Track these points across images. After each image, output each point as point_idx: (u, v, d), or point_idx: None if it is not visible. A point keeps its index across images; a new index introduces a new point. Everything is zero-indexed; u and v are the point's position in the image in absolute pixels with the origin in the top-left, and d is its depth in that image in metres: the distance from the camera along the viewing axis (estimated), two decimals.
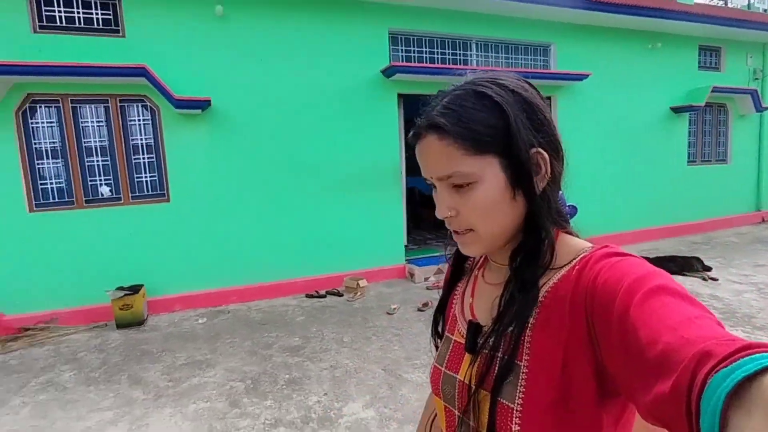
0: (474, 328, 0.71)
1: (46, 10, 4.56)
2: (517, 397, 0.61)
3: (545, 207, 0.65)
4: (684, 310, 0.47)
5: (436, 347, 0.82)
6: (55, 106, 4.69)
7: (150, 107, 4.98)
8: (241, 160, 5.29)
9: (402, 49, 6.14)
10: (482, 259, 0.81)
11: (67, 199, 4.78)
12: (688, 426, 0.39)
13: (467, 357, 0.70)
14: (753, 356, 0.37)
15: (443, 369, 0.74)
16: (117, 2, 4.77)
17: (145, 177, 5.03)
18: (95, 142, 4.85)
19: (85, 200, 4.84)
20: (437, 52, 6.35)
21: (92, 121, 4.83)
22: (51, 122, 4.69)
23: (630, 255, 0.59)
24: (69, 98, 4.71)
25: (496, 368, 0.63)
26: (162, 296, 5.04)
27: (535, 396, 0.59)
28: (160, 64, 4.77)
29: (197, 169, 5.12)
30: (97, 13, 4.73)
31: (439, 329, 0.82)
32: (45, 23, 4.56)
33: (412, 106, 5.61)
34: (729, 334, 0.43)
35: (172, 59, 4.87)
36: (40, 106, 4.65)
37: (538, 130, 0.64)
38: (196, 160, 5.11)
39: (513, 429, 0.60)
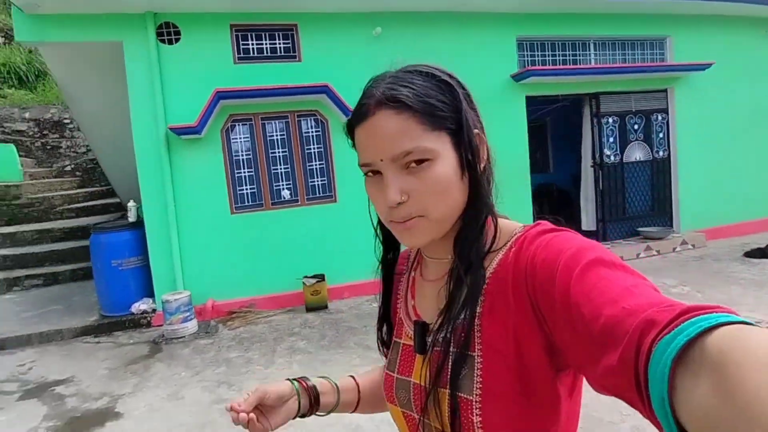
0: (420, 327, 0.70)
1: (242, 44, 5.43)
2: (475, 389, 0.60)
3: (486, 186, 0.66)
4: (621, 280, 0.48)
5: (386, 356, 0.81)
6: (248, 124, 5.56)
7: (320, 120, 5.76)
8: None
9: (527, 54, 6.60)
10: (416, 258, 0.82)
11: (257, 202, 5.64)
12: (638, 394, 0.39)
13: (418, 358, 0.70)
14: (693, 320, 0.37)
15: (395, 375, 0.73)
16: (294, 32, 5.58)
17: (317, 181, 5.81)
18: (279, 152, 5.68)
19: (272, 202, 5.68)
20: (558, 54, 6.76)
21: (276, 135, 5.66)
22: (246, 137, 5.57)
23: (562, 230, 0.60)
24: (260, 116, 5.56)
25: (450, 364, 0.62)
26: (334, 285, 5.79)
27: (493, 384, 0.59)
28: (330, 81, 5.52)
29: (359, 172, 5.82)
30: (279, 43, 5.56)
31: (384, 337, 0.82)
32: (242, 55, 5.43)
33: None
34: (668, 299, 0.44)
35: (339, 76, 5.61)
36: (238, 125, 5.53)
37: (477, 116, 0.67)
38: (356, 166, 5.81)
39: (474, 421, 0.60)
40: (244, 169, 5.58)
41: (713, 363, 0.33)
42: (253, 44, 5.47)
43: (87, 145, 10.27)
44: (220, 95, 5.08)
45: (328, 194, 5.86)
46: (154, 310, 5.28)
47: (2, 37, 11.02)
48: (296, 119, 5.69)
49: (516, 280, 0.59)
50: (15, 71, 10.62)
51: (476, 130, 0.65)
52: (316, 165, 5.81)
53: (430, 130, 0.60)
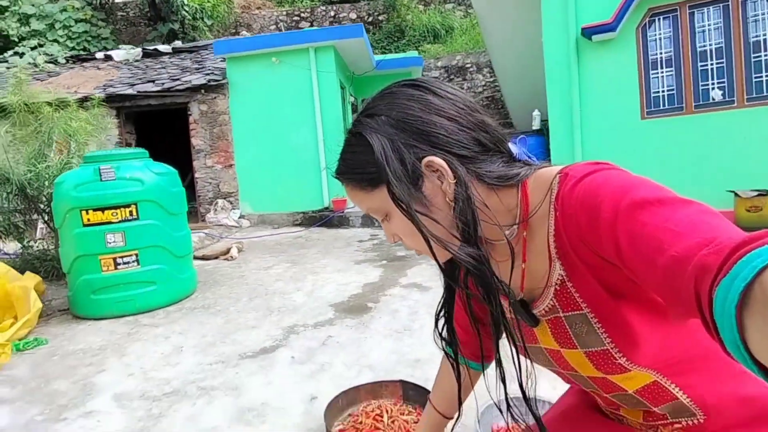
0: (521, 304, 0.72)
1: None
2: (604, 340, 0.64)
3: (460, 205, 0.63)
4: (664, 220, 0.47)
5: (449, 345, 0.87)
6: (671, 16, 4.81)
7: None
8: None
9: None
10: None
11: (676, 105, 4.89)
12: (715, 337, 0.39)
13: (537, 329, 0.73)
14: (745, 258, 0.36)
15: (524, 345, 0.74)
16: None
17: (765, 77, 4.53)
18: (709, 45, 4.70)
19: (695, 105, 4.81)
20: None
21: (708, 24, 4.69)
22: (667, 32, 4.86)
23: (592, 172, 0.58)
24: (687, 5, 4.73)
25: (568, 327, 0.67)
26: None
27: (615, 328, 0.63)
28: None
29: None
30: None
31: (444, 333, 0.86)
32: None
33: None
34: (715, 228, 0.43)
35: None
36: (657, 19, 4.87)
37: (424, 139, 0.64)
38: None
39: (623, 363, 0.65)
40: (661, 68, 4.93)
41: None
42: None
43: (484, 85, 11.59)
44: None
45: None
46: None
47: (423, 4, 13.62)
48: (739, 1, 4.54)
49: (572, 242, 0.60)
50: (431, 29, 12.98)
51: (427, 159, 0.63)
52: (763, 57, 4.52)
53: (371, 191, 0.67)
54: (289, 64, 7.17)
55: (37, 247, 4.53)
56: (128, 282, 3.36)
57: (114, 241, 3.30)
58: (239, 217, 7.55)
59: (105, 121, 4.71)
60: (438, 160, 0.63)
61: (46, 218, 4.28)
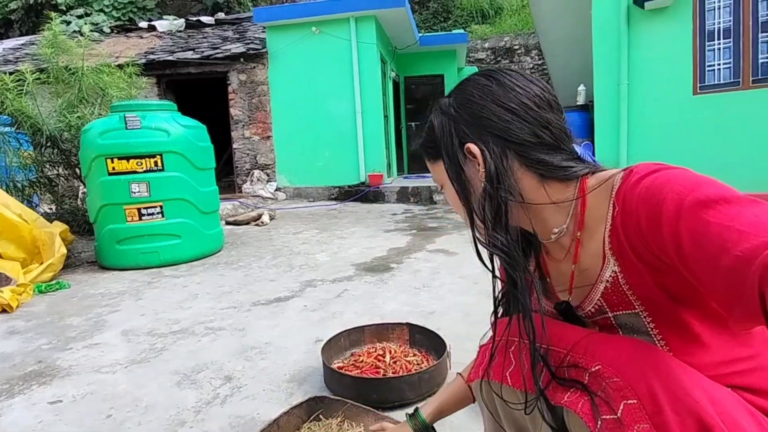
0: (565, 306, 0.72)
1: None
2: (657, 343, 0.62)
3: (483, 190, 0.67)
4: (728, 219, 0.45)
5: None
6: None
7: None
8: None
9: None
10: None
11: (733, 80, 4.41)
12: None
13: None
14: None
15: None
16: None
17: None
18: None
19: (752, 80, 4.32)
20: None
21: None
22: (726, 1, 4.36)
23: (657, 171, 0.56)
24: None
25: (618, 328, 0.66)
26: None
27: (670, 331, 0.61)
28: None
29: None
30: None
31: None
32: None
33: None
34: None
35: None
36: None
37: (477, 124, 0.67)
38: None
39: None
40: (718, 40, 4.43)
41: None
42: None
43: (531, 68, 11.07)
44: None
45: None
46: None
47: None
48: None
49: (630, 239, 0.58)
50: (479, 10, 12.51)
51: (468, 144, 0.67)
52: None
53: (433, 162, 0.75)
54: (329, 35, 7.04)
55: (71, 204, 4.64)
56: (153, 233, 3.35)
57: (138, 191, 3.29)
58: (275, 190, 7.55)
59: (139, 81, 4.71)
60: (474, 148, 0.67)
61: (78, 172, 4.35)
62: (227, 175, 8.45)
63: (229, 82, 7.47)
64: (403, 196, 6.64)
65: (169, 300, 2.54)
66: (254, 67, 7.39)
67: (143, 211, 3.33)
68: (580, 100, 5.57)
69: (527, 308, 0.65)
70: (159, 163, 3.33)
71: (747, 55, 4.40)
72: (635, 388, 0.55)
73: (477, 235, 0.70)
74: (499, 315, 0.80)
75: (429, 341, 1.63)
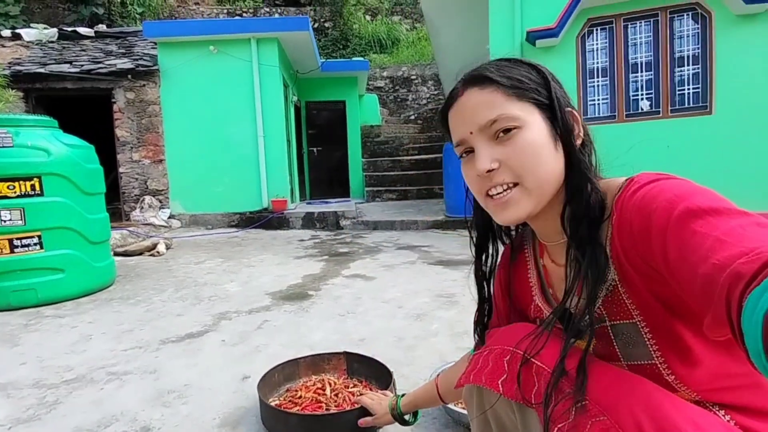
0: (564, 314, 0.67)
1: None
2: (654, 354, 0.61)
3: (587, 158, 0.67)
4: (714, 229, 0.46)
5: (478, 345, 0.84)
6: (608, 28, 5.09)
7: (701, 14, 4.77)
8: None
9: None
10: (534, 248, 0.80)
11: (609, 114, 5.15)
12: (740, 347, 0.39)
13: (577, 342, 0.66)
14: None
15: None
16: None
17: (687, 89, 4.88)
18: (640, 57, 5.01)
19: (626, 114, 5.09)
20: None
21: (639, 38, 5.00)
22: (603, 43, 5.12)
23: (658, 179, 0.58)
24: (622, 18, 5.02)
25: (614, 338, 0.65)
26: None
27: (665, 343, 0.60)
28: None
29: (751, 78, 4.61)
30: None
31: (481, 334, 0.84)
32: None
33: None
34: (763, 241, 0.42)
35: None
36: (596, 29, 5.14)
37: (565, 96, 0.69)
38: (751, 68, 4.60)
39: (670, 381, 0.60)
40: (597, 78, 5.17)
41: None
42: None
43: (428, 97, 11.75)
44: None
45: (701, 105, 4.86)
46: None
47: (370, 15, 13.72)
48: (668, 17, 4.89)
49: (624, 246, 0.59)
50: (378, 39, 13.08)
51: (569, 108, 0.67)
52: (688, 71, 4.88)
53: (515, 100, 0.64)
54: (228, 55, 6.82)
55: None
56: (28, 268, 2.89)
57: (10, 219, 2.83)
58: (169, 217, 6.98)
59: (5, 93, 4.11)
60: (576, 114, 0.68)
61: None
62: (112, 202, 7.61)
63: (114, 100, 6.83)
64: (309, 221, 6.55)
65: (55, 344, 2.19)
66: (144, 85, 6.86)
67: (16, 242, 2.86)
68: None
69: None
70: (37, 187, 2.91)
71: (621, 92, 5.14)
72: (623, 428, 0.54)
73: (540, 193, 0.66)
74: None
75: (368, 369, 1.59)
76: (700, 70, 4.84)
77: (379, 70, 12.11)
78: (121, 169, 6.97)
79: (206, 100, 6.88)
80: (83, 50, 7.48)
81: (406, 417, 1.15)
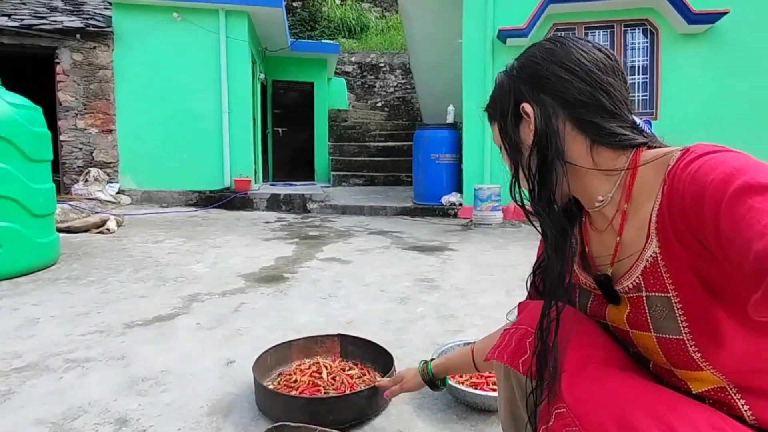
0: (605, 279, 0.69)
1: None
2: (683, 329, 0.61)
3: (529, 155, 0.69)
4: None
5: (533, 297, 0.87)
6: (572, 33, 5.19)
7: (650, 30, 5.05)
8: (742, 84, 4.90)
9: None
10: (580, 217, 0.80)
11: None
12: None
13: (610, 306, 0.70)
14: None
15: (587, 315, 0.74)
16: None
17: (637, 96, 5.16)
18: None
19: None
20: None
21: None
22: None
23: (715, 151, 0.56)
24: (583, 26, 5.19)
25: (647, 308, 0.64)
26: None
27: (697, 322, 0.59)
28: None
29: (691, 89, 4.99)
30: None
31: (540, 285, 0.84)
32: None
33: None
34: None
35: None
36: (561, 34, 5.21)
37: (536, 83, 0.68)
38: (691, 81, 4.96)
39: (696, 358, 0.60)
40: None
41: None
42: None
43: (395, 86, 11.62)
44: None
45: (648, 110, 5.20)
46: (460, 204, 5.54)
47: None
48: (622, 29, 5.10)
49: (672, 218, 0.57)
50: (347, 24, 12.78)
51: (524, 103, 0.68)
52: (637, 79, 5.14)
53: (492, 123, 0.77)
54: (194, 24, 6.38)
55: None
56: None
57: None
58: (117, 192, 6.49)
59: None
60: (528, 108, 0.68)
61: None
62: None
63: (58, 60, 6.24)
64: (274, 203, 6.30)
65: None
66: (94, 48, 6.31)
67: None
68: (450, 119, 6.00)
69: (562, 277, 0.67)
70: None
71: None
72: None
73: (520, 199, 0.72)
74: (537, 285, 0.84)
75: (363, 352, 1.50)
76: (648, 80, 5.12)
77: (348, 54, 11.84)
78: (62, 137, 6.39)
79: (166, 70, 6.44)
80: (23, 3, 6.77)
81: (437, 382, 1.16)
